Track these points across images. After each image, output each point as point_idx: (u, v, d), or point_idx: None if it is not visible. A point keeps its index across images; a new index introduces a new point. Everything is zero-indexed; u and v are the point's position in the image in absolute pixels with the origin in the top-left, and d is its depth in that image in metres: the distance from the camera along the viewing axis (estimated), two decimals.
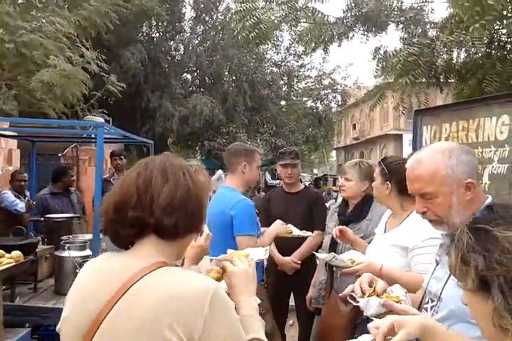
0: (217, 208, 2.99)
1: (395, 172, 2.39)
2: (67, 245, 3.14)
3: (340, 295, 2.16)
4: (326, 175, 24.81)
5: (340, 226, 2.67)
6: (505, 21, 4.51)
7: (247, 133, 17.38)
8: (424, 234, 2.14)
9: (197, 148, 20.37)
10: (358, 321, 2.73)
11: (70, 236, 3.58)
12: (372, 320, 1.84)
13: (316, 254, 2.57)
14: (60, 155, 9.16)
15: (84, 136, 5.68)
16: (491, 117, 2.88)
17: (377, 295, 1.72)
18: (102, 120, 9.31)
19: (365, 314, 1.70)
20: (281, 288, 3.73)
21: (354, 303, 1.86)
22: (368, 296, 1.72)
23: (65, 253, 3.10)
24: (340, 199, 3.73)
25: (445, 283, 1.59)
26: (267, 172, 12.80)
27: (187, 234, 1.23)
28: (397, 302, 1.66)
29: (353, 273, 2.26)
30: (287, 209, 3.70)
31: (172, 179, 1.21)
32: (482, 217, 0.98)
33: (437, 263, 1.76)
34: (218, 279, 1.49)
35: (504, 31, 5.20)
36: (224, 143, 15.74)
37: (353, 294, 1.87)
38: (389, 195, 2.49)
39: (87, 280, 1.21)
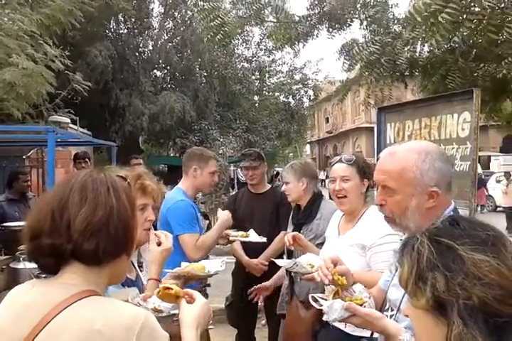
0: (160, 210, 3.04)
1: (371, 169, 2.38)
2: (23, 256, 3.01)
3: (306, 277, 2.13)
4: None
5: (293, 233, 2.61)
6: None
7: (219, 130, 17.26)
8: (381, 230, 2.12)
9: (169, 146, 20.19)
10: (317, 328, 2.72)
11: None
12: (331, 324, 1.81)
13: (276, 261, 2.50)
14: (24, 157, 8.91)
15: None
16: (452, 114, 2.87)
17: (339, 295, 1.68)
18: (68, 120, 9.10)
19: (327, 318, 1.63)
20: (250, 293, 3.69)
21: (317, 306, 1.80)
22: (334, 294, 1.67)
23: (21, 265, 2.97)
24: None
25: (404, 293, 1.55)
26: (239, 170, 12.71)
27: (113, 257, 1.10)
28: (361, 304, 1.61)
29: (313, 279, 2.21)
30: (253, 210, 3.69)
31: (91, 198, 1.08)
32: (445, 230, 0.89)
33: (397, 269, 1.72)
34: (166, 300, 1.42)
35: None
36: (196, 140, 15.60)
37: (315, 295, 1.81)
38: (362, 193, 2.47)
39: (3, 312, 1.08)
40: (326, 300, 1.73)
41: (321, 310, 1.65)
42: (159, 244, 1.82)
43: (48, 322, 1.00)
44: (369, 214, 2.42)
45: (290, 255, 2.91)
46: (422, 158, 1.55)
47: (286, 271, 3.13)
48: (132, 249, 1.17)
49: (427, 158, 1.55)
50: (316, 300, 1.75)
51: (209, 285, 3.51)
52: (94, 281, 1.09)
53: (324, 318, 1.63)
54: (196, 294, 1.39)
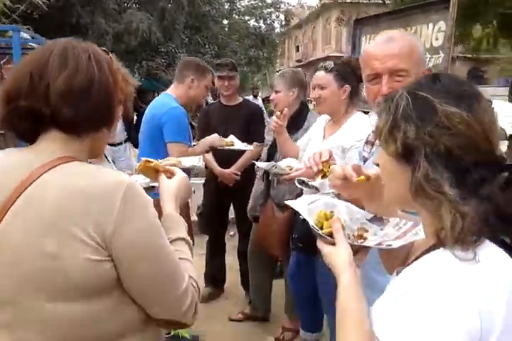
0: (150, 113, 2.98)
1: (350, 74, 2.42)
2: None
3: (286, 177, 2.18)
4: (268, 97, 24.59)
5: (283, 111, 2.58)
6: None
7: (187, 54, 16.68)
8: (362, 134, 2.16)
9: (135, 69, 19.50)
10: (294, 224, 2.86)
11: None
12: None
13: (256, 163, 2.61)
14: None
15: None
16: (427, 24, 2.87)
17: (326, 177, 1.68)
18: (28, 36, 8.59)
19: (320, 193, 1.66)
20: (221, 200, 3.82)
21: (303, 187, 1.83)
22: (321, 177, 1.64)
23: None
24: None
25: None
26: (208, 93, 12.52)
27: (93, 128, 1.08)
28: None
29: (291, 179, 2.28)
30: (226, 122, 3.67)
31: (72, 63, 1.03)
32: (426, 85, 0.93)
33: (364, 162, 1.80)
34: (147, 174, 1.46)
35: None
36: (163, 63, 15.10)
37: (301, 178, 1.87)
38: (343, 100, 2.50)
39: None
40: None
41: (296, 211, 1.71)
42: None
43: (30, 184, 0.98)
44: (352, 119, 2.48)
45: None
46: (415, 39, 1.63)
47: (263, 175, 3.24)
48: (112, 123, 1.15)
49: (418, 41, 1.63)
50: (302, 183, 1.80)
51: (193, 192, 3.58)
52: (76, 150, 1.07)
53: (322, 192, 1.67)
54: (176, 170, 1.41)
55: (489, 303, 0.80)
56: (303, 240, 2.64)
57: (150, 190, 1.49)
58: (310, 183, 1.77)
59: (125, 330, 1.07)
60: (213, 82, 3.70)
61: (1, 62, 7.98)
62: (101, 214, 0.96)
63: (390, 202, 1.04)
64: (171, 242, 1.12)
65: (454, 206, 0.84)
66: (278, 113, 2.59)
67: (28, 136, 1.08)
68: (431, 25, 2.86)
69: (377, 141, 1.75)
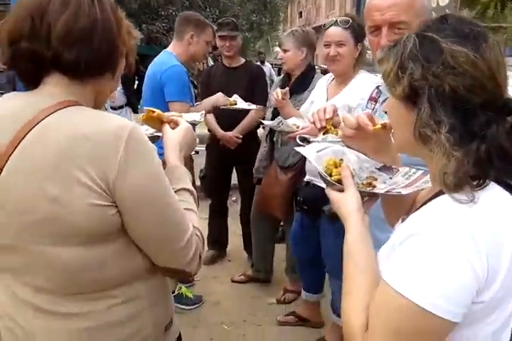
0: (151, 71, 2.93)
1: (362, 31, 2.29)
2: None
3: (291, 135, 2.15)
4: (272, 64, 24.26)
5: (283, 90, 2.57)
6: None
7: None
8: (368, 92, 2.14)
9: None
10: (298, 187, 2.86)
11: None
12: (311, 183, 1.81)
13: (263, 121, 2.58)
14: None
15: None
16: None
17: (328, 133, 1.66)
18: None
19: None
20: (223, 163, 3.80)
21: (305, 144, 1.83)
22: (323, 133, 1.65)
23: None
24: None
25: None
26: (209, 58, 12.29)
27: (97, 72, 1.06)
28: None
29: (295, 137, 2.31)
30: (228, 84, 3.59)
31: (73, 5, 1.00)
32: (433, 25, 0.90)
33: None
34: (150, 124, 1.43)
35: None
36: (163, 27, 14.78)
37: (303, 135, 1.85)
38: (355, 58, 2.45)
39: None
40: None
41: (300, 173, 1.68)
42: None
43: (34, 127, 0.97)
44: (358, 78, 2.43)
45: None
46: None
47: (267, 136, 3.21)
48: (116, 69, 1.12)
49: None
50: (304, 140, 1.79)
51: (197, 152, 3.56)
52: (79, 94, 1.06)
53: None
54: (181, 120, 1.39)
55: (493, 244, 0.80)
56: (308, 203, 2.65)
57: (155, 139, 1.46)
58: (311, 140, 1.75)
59: (131, 277, 1.08)
60: (215, 47, 3.62)
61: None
62: (104, 159, 0.95)
63: (399, 148, 1.03)
64: (175, 192, 1.11)
65: (448, 149, 0.83)
66: (278, 90, 2.53)
67: (31, 79, 1.06)
68: None
69: (380, 98, 1.72)
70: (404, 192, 1.02)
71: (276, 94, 2.54)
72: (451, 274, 0.78)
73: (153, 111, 1.37)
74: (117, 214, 1.00)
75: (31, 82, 1.07)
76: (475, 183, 0.83)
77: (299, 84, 3.09)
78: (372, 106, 1.77)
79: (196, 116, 1.99)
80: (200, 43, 3.02)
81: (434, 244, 0.80)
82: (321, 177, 1.08)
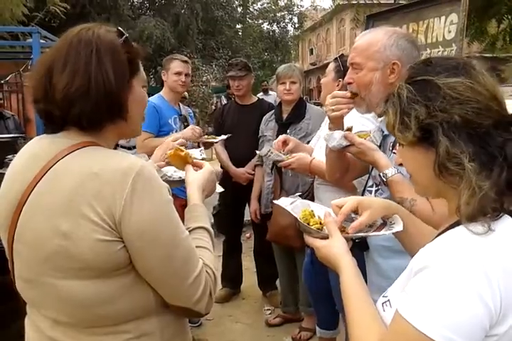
0: None
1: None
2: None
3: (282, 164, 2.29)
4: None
5: (283, 136, 2.54)
6: None
7: (201, 59, 16.80)
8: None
9: (150, 75, 19.70)
10: None
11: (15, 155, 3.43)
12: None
13: (257, 152, 2.65)
14: (2, 82, 8.59)
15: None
16: (440, 17, 2.84)
17: None
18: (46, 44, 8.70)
19: (327, 145, 1.75)
20: (236, 200, 3.81)
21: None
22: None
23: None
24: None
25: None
26: (223, 97, 12.53)
27: (105, 121, 1.09)
28: (365, 138, 1.69)
29: (286, 166, 2.42)
30: (240, 122, 3.70)
31: (72, 62, 1.04)
32: (419, 69, 0.94)
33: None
34: (174, 162, 1.44)
35: None
36: None
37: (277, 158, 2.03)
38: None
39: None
40: None
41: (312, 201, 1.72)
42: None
43: (51, 167, 1.03)
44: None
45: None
46: (388, 34, 1.69)
47: (272, 169, 3.23)
48: (122, 113, 1.09)
49: (392, 36, 1.68)
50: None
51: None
52: (97, 137, 1.10)
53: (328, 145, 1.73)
54: (205, 163, 1.43)
55: (507, 278, 0.79)
56: None
57: (181, 183, 1.49)
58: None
59: (143, 312, 1.08)
60: (228, 86, 3.74)
61: (21, 70, 8.15)
62: (110, 196, 0.98)
63: (425, 190, 1.02)
64: (191, 231, 1.13)
65: (474, 179, 0.83)
66: (280, 142, 2.49)
67: (54, 131, 1.12)
68: (443, 18, 2.83)
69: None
70: (380, 233, 1.10)
71: (276, 144, 2.50)
72: (461, 308, 0.77)
73: (182, 151, 1.40)
74: (124, 249, 1.01)
75: (54, 131, 1.12)
76: (491, 214, 0.83)
77: (296, 114, 3.26)
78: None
79: (197, 153, 2.02)
80: (170, 76, 3.41)
81: (446, 278, 0.79)
82: (303, 227, 1.12)
